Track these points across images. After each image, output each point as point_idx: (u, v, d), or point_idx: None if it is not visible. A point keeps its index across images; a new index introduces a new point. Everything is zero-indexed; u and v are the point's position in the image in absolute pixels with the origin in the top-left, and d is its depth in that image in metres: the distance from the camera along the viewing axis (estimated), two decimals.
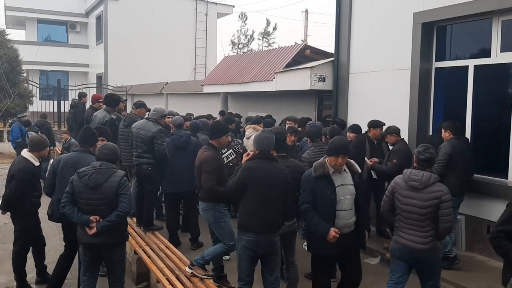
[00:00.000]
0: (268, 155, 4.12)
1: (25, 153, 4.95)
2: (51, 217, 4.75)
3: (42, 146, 5.02)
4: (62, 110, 18.31)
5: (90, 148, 4.75)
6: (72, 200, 4.06)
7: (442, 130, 5.87)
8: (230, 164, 5.95)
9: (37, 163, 4.92)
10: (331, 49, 9.07)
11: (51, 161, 6.19)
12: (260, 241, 4.02)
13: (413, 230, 3.92)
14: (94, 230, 3.99)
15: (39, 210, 5.16)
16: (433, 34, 6.87)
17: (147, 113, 7.18)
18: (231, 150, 6.00)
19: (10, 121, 18.35)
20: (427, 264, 3.98)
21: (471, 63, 6.41)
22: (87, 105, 11.49)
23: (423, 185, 3.88)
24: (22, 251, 5.05)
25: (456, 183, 5.52)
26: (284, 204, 4.07)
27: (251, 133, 7.34)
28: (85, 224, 4.02)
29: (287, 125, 7.53)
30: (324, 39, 45.94)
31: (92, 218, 3.99)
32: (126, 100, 9.10)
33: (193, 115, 11.51)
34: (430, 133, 6.97)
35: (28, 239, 5.08)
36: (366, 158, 6.49)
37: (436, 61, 6.90)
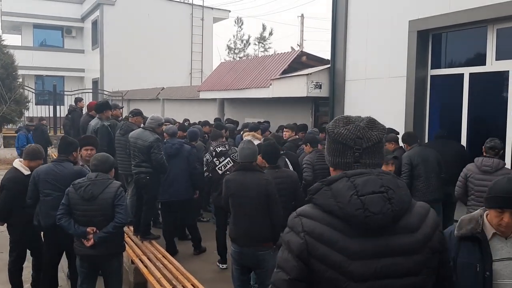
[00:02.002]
0: (246, 166, 4.15)
1: (15, 162, 4.93)
2: (38, 227, 4.71)
3: (34, 156, 4.92)
4: (58, 115, 18.25)
5: (68, 157, 4.70)
6: (68, 212, 4.06)
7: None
8: (227, 172, 5.97)
9: (27, 172, 4.82)
10: (326, 53, 9.12)
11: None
12: (243, 253, 4.05)
13: None
14: (91, 242, 3.98)
15: None
16: (429, 42, 6.92)
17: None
18: (228, 159, 6.02)
19: (6, 127, 18.34)
20: None
21: (466, 71, 6.46)
22: (84, 109, 11.54)
23: (494, 169, 4.67)
24: (17, 262, 5.00)
25: (423, 188, 5.67)
26: (271, 216, 4.01)
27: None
28: (82, 236, 4.02)
29: (284, 133, 7.56)
30: (319, 44, 46.17)
31: (89, 229, 3.99)
32: (122, 107, 9.11)
33: (189, 120, 11.53)
34: (426, 139, 7.01)
35: (23, 250, 5.03)
36: None
37: (431, 68, 6.95)
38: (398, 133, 6.58)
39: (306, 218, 1.54)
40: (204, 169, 6.18)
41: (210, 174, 6.08)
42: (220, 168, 6.00)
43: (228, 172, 5.97)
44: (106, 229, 3.99)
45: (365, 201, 1.47)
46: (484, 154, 4.89)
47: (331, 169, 1.69)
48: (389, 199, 1.48)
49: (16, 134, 13.22)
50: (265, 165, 4.70)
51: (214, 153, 6.05)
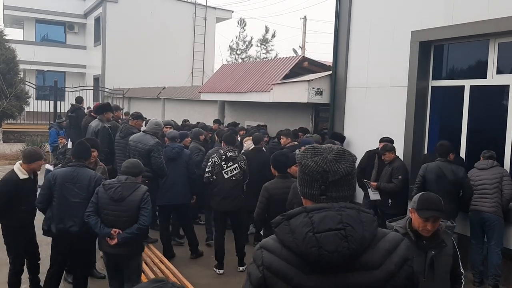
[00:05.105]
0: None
1: (16, 165, 4.87)
2: (47, 232, 4.67)
3: (31, 158, 4.81)
4: (58, 110, 18.21)
5: (85, 162, 4.75)
6: (96, 211, 4.29)
7: None
8: (233, 178, 6.01)
9: (23, 176, 4.76)
10: (328, 56, 9.14)
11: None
12: None
13: (484, 199, 5.53)
14: (115, 241, 4.21)
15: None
16: (430, 53, 6.93)
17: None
18: (236, 165, 6.05)
19: (6, 122, 18.33)
20: (491, 223, 5.46)
21: (467, 83, 6.48)
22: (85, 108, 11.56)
23: (489, 166, 5.61)
24: (15, 264, 4.98)
25: None
26: None
27: (249, 145, 7.40)
28: (106, 236, 4.25)
29: (281, 140, 7.56)
30: (321, 46, 46.14)
31: (112, 231, 4.21)
32: (123, 108, 9.12)
33: (188, 121, 11.58)
34: (426, 150, 7.03)
35: (17, 253, 4.95)
36: (368, 181, 6.55)
37: (432, 79, 6.96)
38: (393, 142, 6.64)
39: (267, 251, 1.55)
40: (208, 170, 6.16)
41: (214, 177, 6.09)
42: (226, 173, 6.02)
43: (233, 178, 6.01)
44: (130, 230, 4.22)
45: (320, 238, 1.44)
46: (482, 159, 5.78)
47: (301, 197, 1.68)
48: (346, 237, 1.44)
49: (48, 131, 13.29)
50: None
51: (224, 156, 6.05)
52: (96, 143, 5.60)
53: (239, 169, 6.04)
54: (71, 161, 4.82)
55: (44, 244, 6.52)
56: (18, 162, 4.98)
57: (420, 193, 3.08)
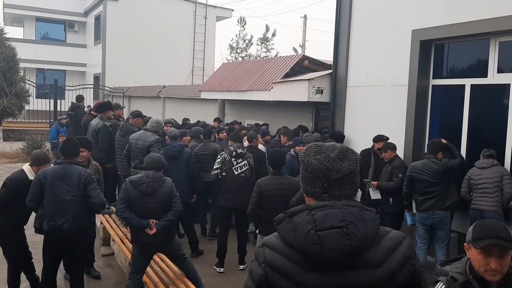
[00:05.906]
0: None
1: (25, 166, 4.89)
2: (39, 230, 4.61)
3: (40, 161, 4.83)
4: (58, 109, 18.22)
5: (74, 159, 4.71)
6: (127, 206, 4.56)
7: None
8: (242, 174, 6.06)
9: (32, 178, 4.74)
10: (328, 55, 9.12)
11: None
12: None
13: (485, 198, 5.47)
14: (154, 230, 4.54)
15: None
16: (431, 51, 6.93)
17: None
18: (245, 161, 6.09)
19: (6, 120, 18.33)
20: None
21: (468, 82, 6.48)
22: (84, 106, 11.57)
23: (489, 165, 5.59)
24: (14, 263, 4.99)
25: (418, 200, 5.88)
26: None
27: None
28: (145, 227, 4.56)
29: (281, 139, 7.55)
30: (322, 45, 46.19)
31: (151, 222, 4.53)
32: (124, 107, 9.12)
33: (189, 119, 11.57)
34: (426, 149, 7.02)
35: (14, 252, 4.96)
36: (368, 180, 6.55)
37: (433, 78, 6.96)
38: (387, 138, 6.67)
39: (269, 249, 1.55)
40: (217, 166, 6.16)
41: (224, 173, 6.10)
42: (236, 169, 6.07)
43: (243, 174, 6.05)
44: (166, 217, 4.62)
45: (322, 236, 1.45)
46: (482, 158, 5.77)
47: (304, 195, 1.68)
48: (348, 235, 1.45)
49: (48, 129, 13.32)
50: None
51: (234, 153, 6.10)
52: (87, 142, 5.44)
53: (248, 166, 6.12)
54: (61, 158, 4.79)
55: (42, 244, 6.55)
56: (27, 163, 4.98)
57: (475, 222, 2.35)
